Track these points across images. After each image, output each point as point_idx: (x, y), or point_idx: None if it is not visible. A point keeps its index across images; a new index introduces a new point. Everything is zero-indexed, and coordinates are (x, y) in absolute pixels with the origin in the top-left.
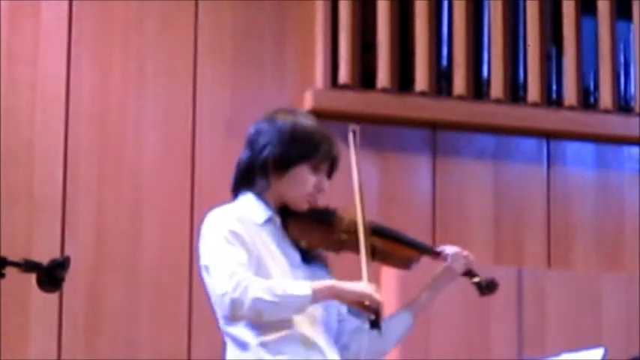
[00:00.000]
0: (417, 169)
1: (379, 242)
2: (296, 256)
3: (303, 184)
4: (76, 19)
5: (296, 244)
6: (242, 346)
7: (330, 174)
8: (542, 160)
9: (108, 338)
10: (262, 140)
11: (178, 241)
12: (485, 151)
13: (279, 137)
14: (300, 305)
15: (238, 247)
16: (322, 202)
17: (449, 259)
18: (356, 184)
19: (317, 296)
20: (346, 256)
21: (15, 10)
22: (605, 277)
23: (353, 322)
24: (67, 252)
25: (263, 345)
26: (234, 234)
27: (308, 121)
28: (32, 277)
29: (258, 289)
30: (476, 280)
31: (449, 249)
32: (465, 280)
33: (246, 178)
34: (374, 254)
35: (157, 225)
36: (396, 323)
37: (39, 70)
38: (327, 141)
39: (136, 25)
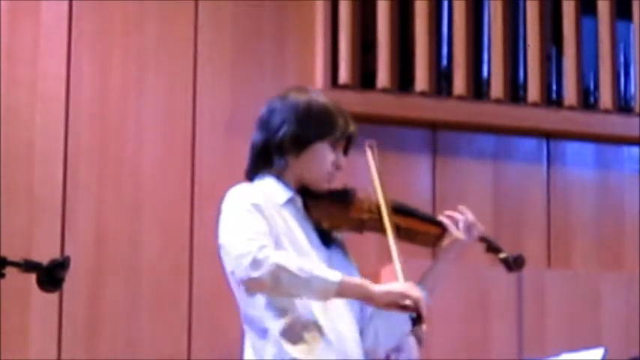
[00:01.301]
0: (417, 169)
1: (402, 220)
2: (316, 239)
3: (322, 162)
4: (76, 19)
5: (318, 226)
6: (262, 332)
7: (346, 151)
8: (542, 160)
9: (108, 338)
10: (277, 119)
11: (178, 241)
12: (485, 151)
13: (295, 115)
14: (322, 290)
15: (260, 218)
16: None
17: (461, 226)
18: (380, 197)
19: (344, 290)
20: (367, 241)
21: (15, 10)
22: (605, 277)
23: (368, 307)
24: (67, 252)
25: (284, 333)
26: (256, 206)
27: (322, 98)
28: (32, 277)
29: (283, 257)
30: (502, 256)
31: (455, 216)
32: (465, 279)
33: (262, 160)
34: (398, 233)
35: (157, 225)
36: None
37: (39, 70)
38: (343, 117)
39: (136, 25)
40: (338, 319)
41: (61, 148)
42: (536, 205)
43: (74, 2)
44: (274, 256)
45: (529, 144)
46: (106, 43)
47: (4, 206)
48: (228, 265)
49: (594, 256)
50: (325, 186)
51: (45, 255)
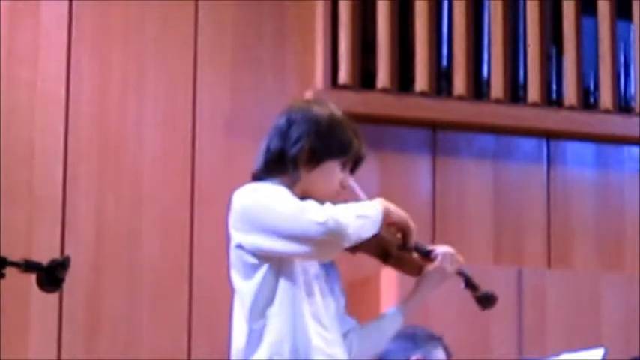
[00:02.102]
0: (417, 169)
1: (394, 248)
2: None
3: (331, 180)
4: (76, 19)
5: None
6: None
7: (352, 170)
8: (542, 160)
9: (108, 338)
10: (296, 131)
11: (178, 241)
12: (485, 151)
13: (316, 129)
14: (379, 221)
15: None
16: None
17: (439, 259)
18: None
19: (384, 211)
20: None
21: (15, 10)
22: (605, 277)
23: (349, 323)
24: (67, 252)
25: (286, 326)
26: (285, 193)
27: (343, 117)
28: (32, 277)
29: (350, 211)
30: (477, 294)
31: (440, 248)
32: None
33: (275, 167)
34: (387, 258)
35: (157, 225)
36: (386, 323)
37: (39, 70)
38: (359, 139)
39: (136, 25)
40: (330, 325)
41: (61, 148)
42: (536, 205)
43: (74, 2)
44: (342, 213)
45: (529, 144)
46: (106, 43)
47: (4, 206)
48: (287, 242)
49: (594, 256)
50: (329, 203)
51: (45, 255)
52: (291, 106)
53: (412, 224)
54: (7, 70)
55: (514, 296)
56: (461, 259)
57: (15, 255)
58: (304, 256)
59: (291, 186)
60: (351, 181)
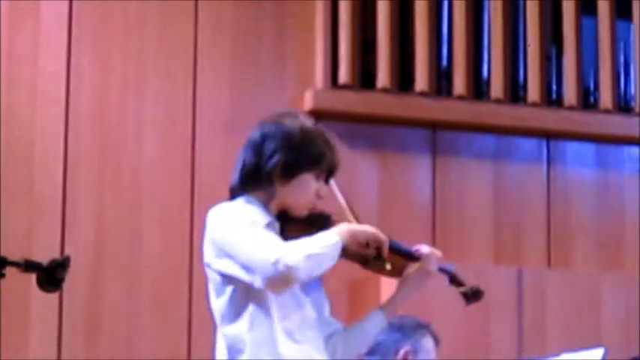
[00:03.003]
0: (417, 169)
1: (372, 252)
2: None
3: (306, 191)
4: (76, 19)
5: None
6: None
7: (326, 180)
8: (542, 160)
9: (108, 338)
10: (270, 146)
11: (178, 241)
12: (485, 151)
13: (289, 143)
14: (336, 254)
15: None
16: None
17: (422, 260)
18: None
19: (342, 239)
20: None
21: (15, 10)
22: (605, 277)
23: (332, 326)
24: (67, 252)
25: (259, 344)
26: (253, 222)
27: (314, 128)
28: (32, 277)
29: (300, 249)
30: (462, 289)
31: (423, 249)
32: (465, 279)
33: (251, 182)
34: (366, 263)
35: (157, 225)
36: (369, 324)
37: (39, 70)
38: (331, 149)
39: (136, 25)
40: (308, 332)
41: (61, 148)
42: (536, 205)
43: (74, 2)
44: (297, 252)
45: (529, 144)
46: (106, 43)
47: (4, 206)
48: (251, 267)
49: (594, 256)
50: (305, 213)
51: (45, 255)
52: (264, 120)
53: (382, 236)
54: (7, 70)
55: (514, 296)
56: (439, 254)
57: (15, 255)
58: (256, 286)
59: (267, 200)
60: (333, 184)
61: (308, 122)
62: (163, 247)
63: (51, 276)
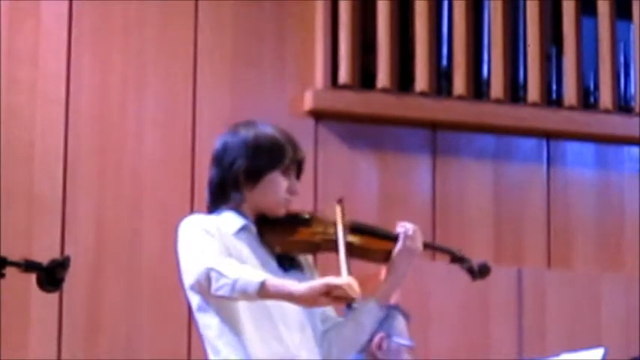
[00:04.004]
0: (417, 169)
1: (355, 239)
2: (272, 264)
3: (276, 190)
4: (76, 19)
5: (272, 251)
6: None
7: (298, 175)
8: (542, 160)
9: (108, 338)
10: (229, 155)
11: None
12: (485, 151)
13: (246, 149)
14: (244, 290)
15: (211, 240)
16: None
17: (401, 237)
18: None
19: (267, 290)
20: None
21: (15, 10)
22: (605, 277)
23: (331, 321)
24: (67, 252)
25: (231, 345)
26: (207, 231)
27: (269, 129)
28: (32, 277)
29: (220, 262)
30: (466, 265)
31: (399, 228)
32: (465, 279)
33: (220, 195)
34: (351, 251)
35: (157, 225)
36: (362, 316)
37: (39, 70)
38: (291, 144)
39: (136, 25)
40: (292, 333)
41: (61, 148)
42: (536, 205)
43: (74, 2)
44: (212, 262)
45: (529, 144)
46: (106, 43)
47: (4, 206)
48: (186, 281)
49: (594, 256)
50: (282, 212)
51: (45, 255)
52: (223, 134)
53: (331, 283)
54: (7, 70)
55: (514, 296)
56: (416, 228)
57: (15, 255)
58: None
59: (239, 208)
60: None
61: (265, 127)
62: (163, 247)
63: (51, 276)
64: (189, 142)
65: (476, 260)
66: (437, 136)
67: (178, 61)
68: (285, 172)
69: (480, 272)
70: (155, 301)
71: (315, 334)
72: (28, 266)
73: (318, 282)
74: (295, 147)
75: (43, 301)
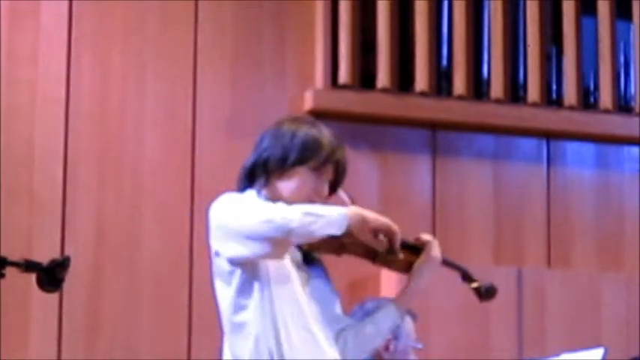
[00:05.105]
0: (417, 169)
1: (383, 244)
2: (298, 255)
3: (301, 186)
4: (76, 19)
5: (298, 246)
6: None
7: (336, 181)
8: (542, 160)
9: (108, 338)
10: (266, 141)
11: (178, 241)
12: (485, 151)
13: (282, 138)
14: (336, 224)
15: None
16: None
17: (426, 248)
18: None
19: (351, 218)
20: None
21: (15, 10)
22: (605, 278)
23: (342, 322)
24: (67, 252)
25: (264, 333)
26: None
27: (315, 127)
28: (32, 277)
29: (294, 209)
30: (474, 285)
31: (424, 237)
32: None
33: (248, 177)
34: (375, 258)
35: (157, 225)
36: (381, 317)
37: (39, 70)
38: (331, 146)
39: (136, 25)
40: (316, 327)
41: (61, 148)
42: (536, 205)
43: (74, 2)
44: (294, 209)
45: (529, 144)
46: (106, 43)
47: (4, 206)
48: (247, 245)
49: (594, 256)
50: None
51: (45, 255)
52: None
53: (395, 227)
54: (7, 70)
55: (514, 296)
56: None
57: (15, 255)
58: (262, 255)
59: (261, 191)
60: (343, 194)
61: (310, 126)
62: (163, 247)
63: (51, 276)
64: (189, 142)
65: (477, 271)
66: (437, 136)
67: (178, 61)
68: (317, 172)
69: (487, 293)
70: (155, 301)
71: (332, 333)
72: (28, 266)
73: (384, 218)
74: (334, 150)
75: (43, 301)
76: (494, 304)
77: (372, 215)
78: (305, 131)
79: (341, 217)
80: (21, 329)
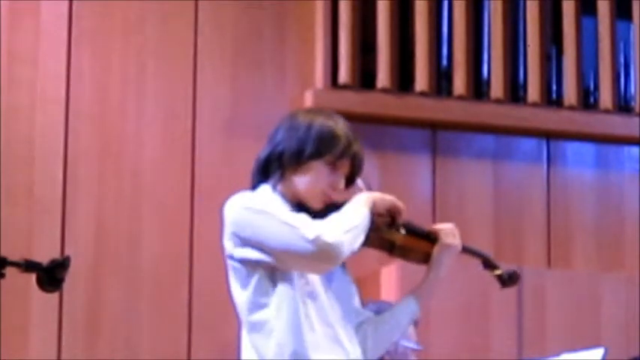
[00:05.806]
0: (417, 169)
1: (398, 237)
2: None
3: (316, 180)
4: (76, 19)
5: None
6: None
7: (353, 175)
8: (542, 160)
9: (108, 338)
10: (281, 134)
11: (178, 241)
12: (485, 151)
13: (297, 131)
14: (367, 225)
15: (283, 207)
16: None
17: (441, 235)
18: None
19: (370, 210)
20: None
21: (15, 10)
22: (605, 278)
23: (362, 315)
24: (67, 252)
25: (286, 330)
26: (278, 206)
27: (331, 120)
28: (32, 277)
29: (337, 227)
30: (497, 272)
31: (438, 225)
32: (465, 280)
33: (262, 171)
34: (392, 249)
35: (157, 225)
36: (400, 311)
37: (39, 70)
38: (348, 140)
39: (136, 25)
40: (336, 326)
41: (61, 148)
42: (536, 205)
43: (74, 2)
44: (334, 229)
45: (529, 144)
46: (106, 43)
47: (4, 206)
48: (276, 256)
49: (594, 256)
50: (319, 205)
51: (45, 255)
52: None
53: (400, 204)
54: (7, 70)
55: (514, 296)
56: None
57: (15, 255)
58: (297, 270)
59: (276, 186)
60: (360, 182)
61: (326, 117)
62: (163, 247)
63: (51, 276)
64: (189, 142)
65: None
66: (437, 136)
67: (178, 61)
68: (333, 166)
69: (510, 280)
70: (155, 301)
71: (352, 326)
72: (28, 266)
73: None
74: (351, 143)
75: (43, 301)
76: (494, 305)
77: (378, 198)
78: (321, 123)
79: (368, 218)
80: (21, 329)
